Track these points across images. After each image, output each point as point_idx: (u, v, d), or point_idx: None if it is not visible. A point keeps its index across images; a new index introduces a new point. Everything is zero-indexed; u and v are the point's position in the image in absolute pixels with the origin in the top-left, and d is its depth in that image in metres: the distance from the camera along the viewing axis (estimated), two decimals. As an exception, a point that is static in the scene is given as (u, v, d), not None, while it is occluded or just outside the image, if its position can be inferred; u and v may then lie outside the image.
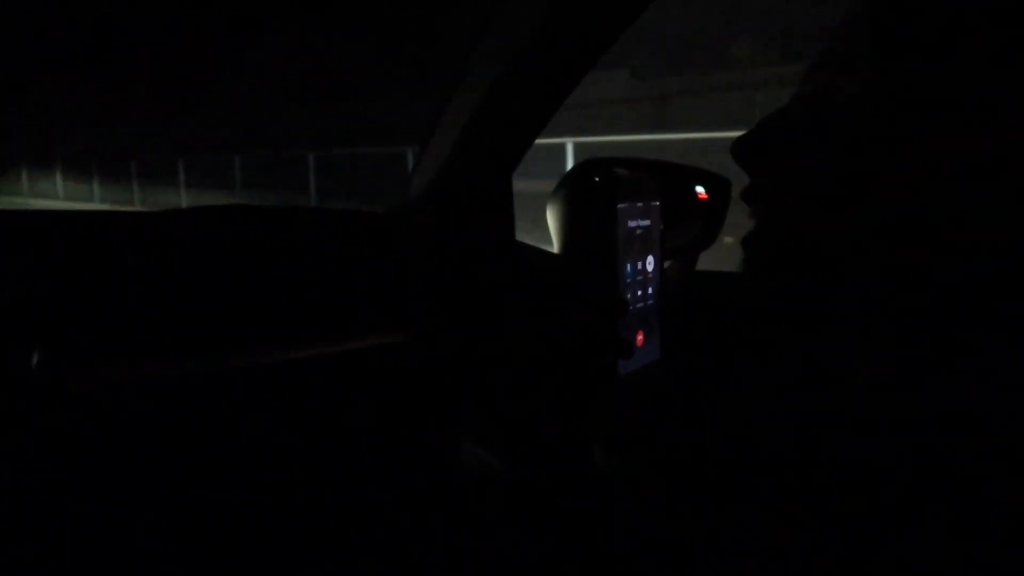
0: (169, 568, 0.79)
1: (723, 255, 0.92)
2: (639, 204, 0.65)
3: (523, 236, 1.06)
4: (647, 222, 0.66)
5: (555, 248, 0.91)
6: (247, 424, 0.84)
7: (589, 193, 0.83)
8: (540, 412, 0.80)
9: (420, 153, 0.98)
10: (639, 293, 0.67)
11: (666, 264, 0.84)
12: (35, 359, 0.69)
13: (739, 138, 0.50)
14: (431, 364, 0.93)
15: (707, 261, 1.00)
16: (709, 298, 0.93)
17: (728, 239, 0.86)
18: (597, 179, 0.66)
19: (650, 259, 0.68)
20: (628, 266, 0.65)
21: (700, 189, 0.92)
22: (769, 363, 0.79)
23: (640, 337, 0.69)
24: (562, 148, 8.00)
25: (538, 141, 0.99)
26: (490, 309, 0.89)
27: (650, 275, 0.68)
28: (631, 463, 0.77)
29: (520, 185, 1.10)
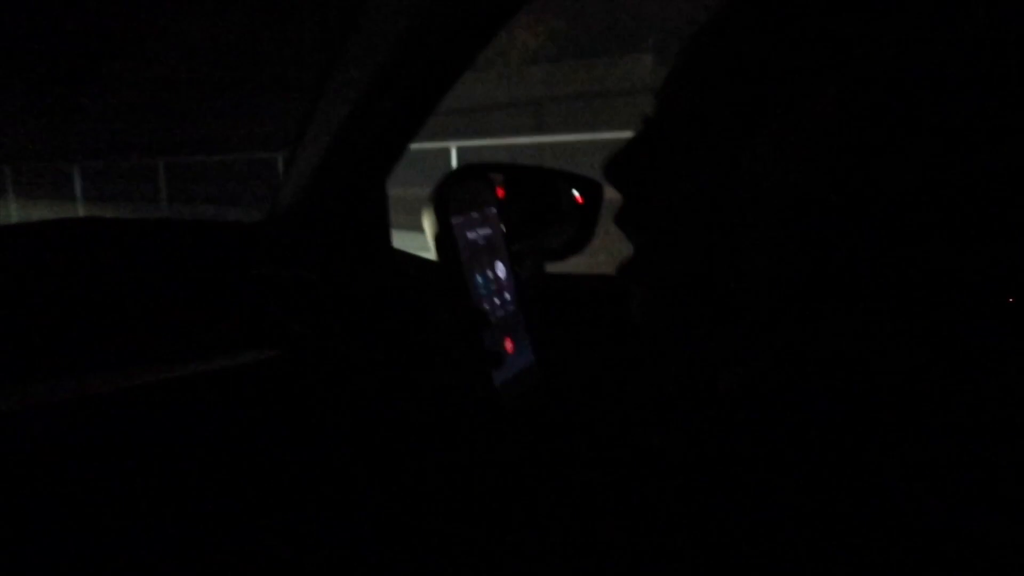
0: None
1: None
2: (475, 215, 0.71)
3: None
4: (487, 230, 0.73)
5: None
6: (112, 452, 0.85)
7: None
8: (418, 424, 0.86)
9: (288, 160, 1.03)
10: (497, 301, 0.73)
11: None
12: None
13: (615, 151, 0.53)
14: (307, 378, 0.97)
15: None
16: (570, 300, 1.01)
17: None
18: (431, 197, 0.72)
19: (499, 266, 0.74)
20: (478, 277, 0.71)
21: (576, 193, 1.01)
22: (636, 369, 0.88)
23: (509, 345, 0.75)
24: (447, 152, 8.14)
25: (426, 145, 1.05)
26: (365, 320, 0.95)
27: (503, 282, 0.74)
28: (516, 467, 0.84)
29: (406, 192, 1.15)
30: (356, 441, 0.95)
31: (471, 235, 0.72)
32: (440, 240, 0.69)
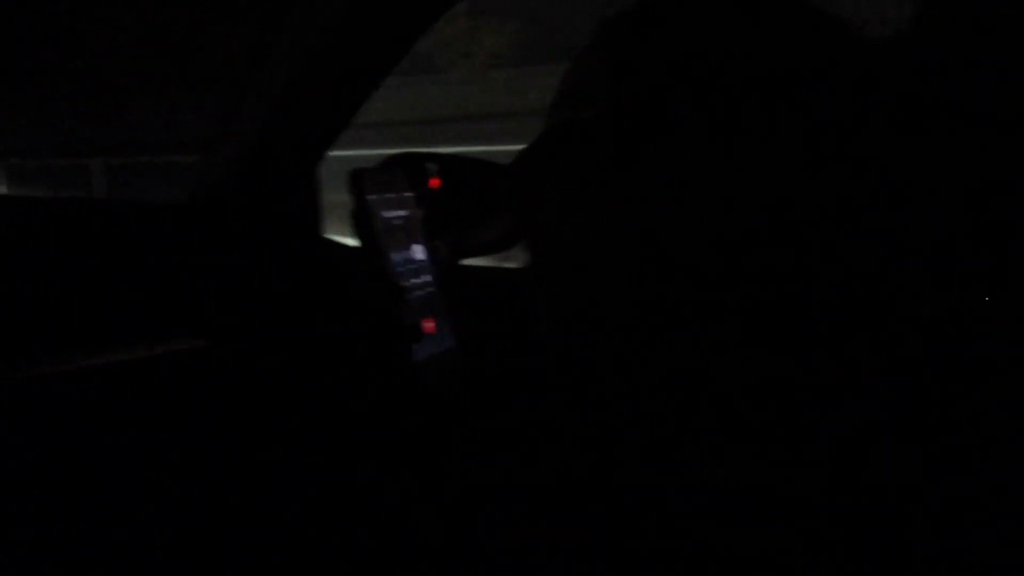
0: None
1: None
2: (391, 195, 0.76)
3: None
4: (404, 212, 0.77)
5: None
6: (28, 442, 0.86)
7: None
8: (345, 403, 0.89)
9: (208, 159, 1.06)
10: (414, 280, 0.77)
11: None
12: None
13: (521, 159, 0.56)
14: (235, 369, 0.99)
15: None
16: (491, 292, 1.06)
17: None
18: (348, 175, 0.76)
19: (417, 248, 0.78)
20: (395, 255, 0.75)
21: (509, 188, 1.05)
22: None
23: (429, 325, 0.79)
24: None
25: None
26: (290, 306, 0.97)
27: (422, 263, 0.78)
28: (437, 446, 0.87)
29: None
30: (282, 429, 0.97)
31: (387, 214, 0.76)
32: (355, 216, 0.73)
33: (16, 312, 0.86)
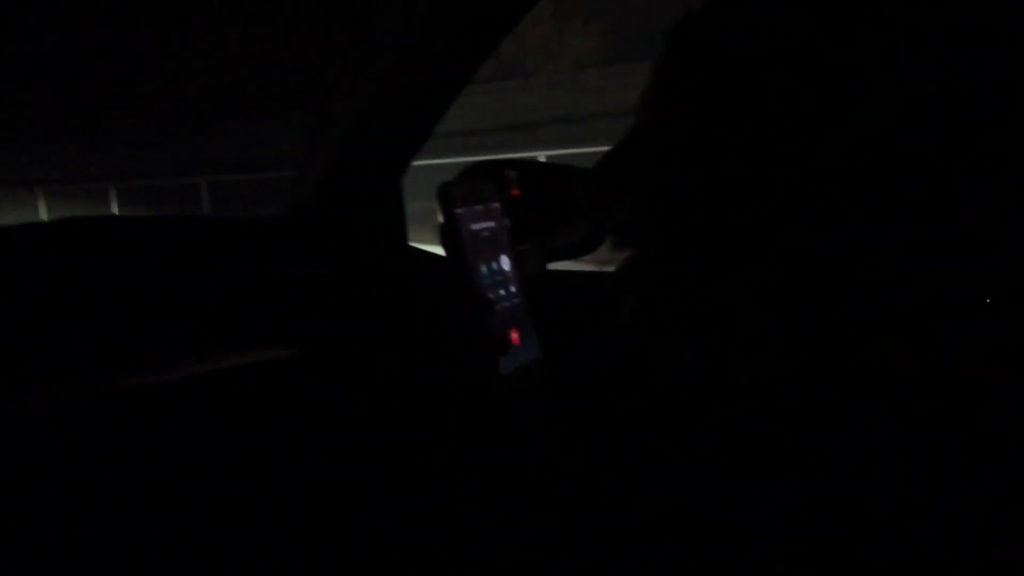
0: None
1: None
2: (478, 207, 0.78)
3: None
4: (491, 223, 0.80)
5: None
6: (132, 448, 0.93)
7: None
8: (429, 418, 0.92)
9: (301, 168, 1.12)
10: (501, 292, 0.80)
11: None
12: None
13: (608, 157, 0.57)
14: (325, 378, 1.05)
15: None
16: (575, 298, 1.07)
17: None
18: (438, 190, 0.78)
19: (503, 259, 0.81)
20: (483, 267, 0.78)
21: (591, 192, 1.07)
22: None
23: (515, 335, 0.81)
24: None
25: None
26: (380, 317, 1.02)
27: (508, 274, 0.81)
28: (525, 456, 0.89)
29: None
30: (369, 438, 1.02)
31: (474, 226, 0.78)
32: (445, 230, 0.76)
33: (124, 323, 0.94)
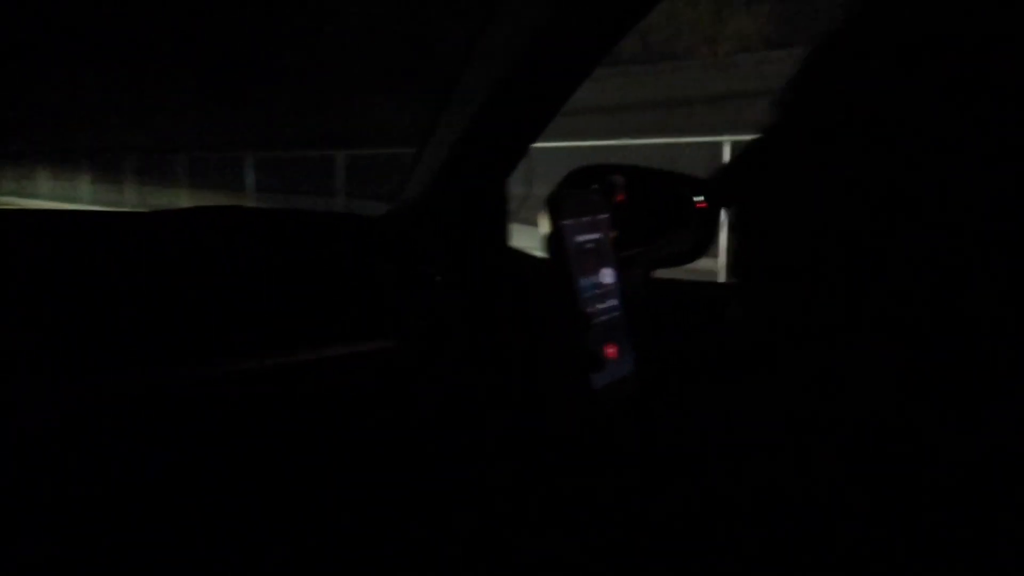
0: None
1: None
2: (586, 219, 0.80)
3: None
4: (596, 235, 0.81)
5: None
6: (238, 429, 1.01)
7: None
8: (519, 422, 0.96)
9: (415, 157, 1.18)
10: (601, 306, 0.81)
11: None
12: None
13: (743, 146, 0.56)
14: (423, 369, 1.11)
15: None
16: (677, 309, 1.08)
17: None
18: (547, 199, 0.80)
19: (606, 272, 0.82)
20: (584, 280, 0.79)
21: (699, 198, 1.07)
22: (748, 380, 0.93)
23: (611, 350, 0.82)
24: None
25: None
26: (479, 316, 1.06)
27: (610, 287, 0.82)
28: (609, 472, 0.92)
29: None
30: (460, 433, 1.07)
31: (580, 238, 0.80)
32: (550, 241, 0.79)
33: (235, 310, 1.02)
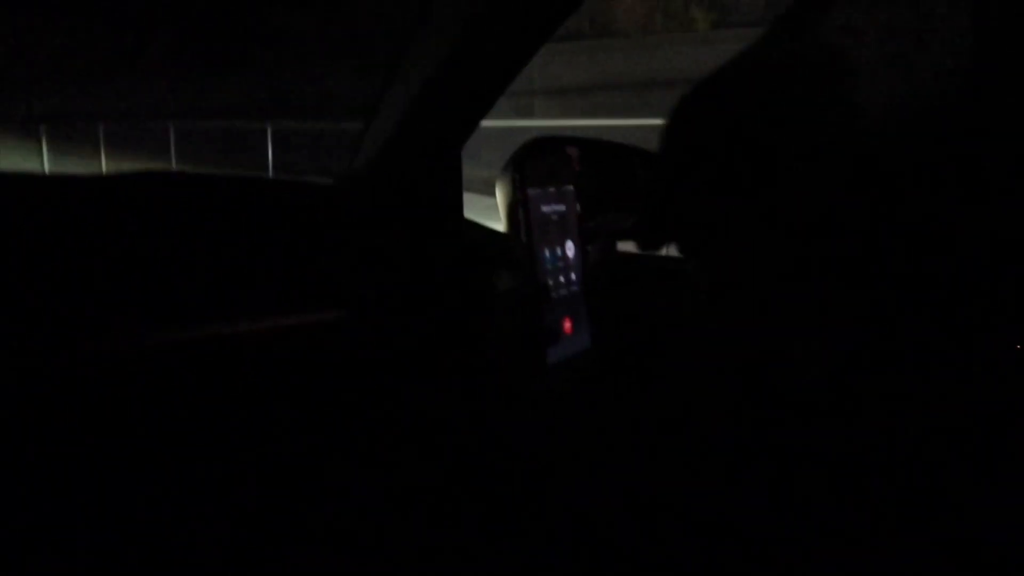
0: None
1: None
2: (551, 189, 0.80)
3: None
4: (562, 207, 0.82)
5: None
6: (179, 401, 1.01)
7: (507, 177, 0.96)
8: (468, 396, 0.97)
9: (365, 127, 1.18)
10: (561, 279, 0.82)
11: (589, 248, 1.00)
12: None
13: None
14: (372, 342, 1.12)
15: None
16: (637, 283, 1.11)
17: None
18: (509, 166, 0.79)
19: (569, 244, 0.83)
20: (546, 251, 0.80)
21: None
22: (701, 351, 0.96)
23: (567, 324, 0.84)
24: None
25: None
26: (431, 287, 1.08)
27: (571, 261, 0.83)
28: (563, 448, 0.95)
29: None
30: (405, 407, 1.09)
31: (545, 209, 0.81)
32: (512, 210, 0.79)
33: (179, 277, 1.02)
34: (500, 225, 1.08)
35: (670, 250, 0.68)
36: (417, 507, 1.03)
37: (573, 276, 0.84)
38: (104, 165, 10.74)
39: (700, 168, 0.60)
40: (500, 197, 1.11)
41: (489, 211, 1.15)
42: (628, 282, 1.12)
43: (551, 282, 0.80)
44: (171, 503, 0.99)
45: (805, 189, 0.51)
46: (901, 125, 0.46)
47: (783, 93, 0.52)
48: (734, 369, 0.69)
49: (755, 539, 0.56)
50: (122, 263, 0.98)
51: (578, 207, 0.83)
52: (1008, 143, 0.44)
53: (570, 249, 0.82)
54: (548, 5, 1.03)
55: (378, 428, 1.11)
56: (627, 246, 1.10)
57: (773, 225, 0.54)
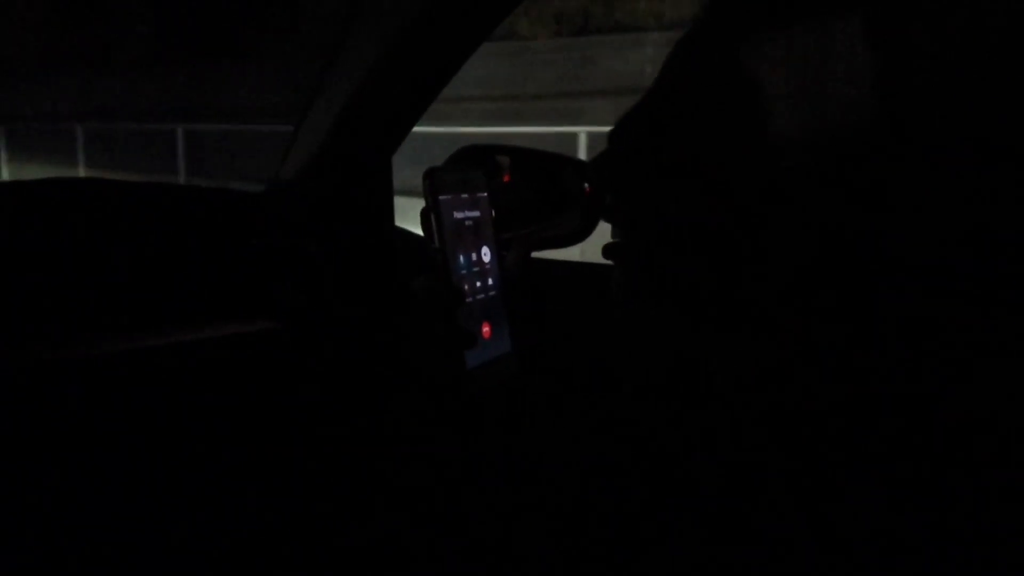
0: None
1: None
2: (464, 195, 0.84)
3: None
4: (476, 213, 0.85)
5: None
6: (100, 417, 0.99)
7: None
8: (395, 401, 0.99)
9: (295, 131, 1.18)
10: (478, 284, 0.85)
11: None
12: None
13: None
14: (302, 352, 1.12)
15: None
16: (554, 289, 1.14)
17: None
18: (425, 173, 0.82)
19: (485, 250, 0.86)
20: (461, 257, 0.83)
21: (585, 183, 1.13)
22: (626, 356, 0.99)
23: (486, 329, 0.87)
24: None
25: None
26: (360, 295, 1.08)
27: (487, 266, 0.86)
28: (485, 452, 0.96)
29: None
30: (338, 416, 1.09)
31: (458, 215, 0.84)
32: (425, 216, 0.82)
33: (100, 288, 1.00)
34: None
35: (593, 256, 0.71)
36: (345, 516, 1.04)
37: (491, 281, 0.86)
38: (4, 169, 10.41)
39: (627, 176, 0.63)
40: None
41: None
42: (551, 288, 1.14)
43: (466, 287, 0.82)
44: (85, 522, 0.98)
45: (724, 200, 0.54)
46: (805, 148, 0.50)
47: (707, 107, 0.55)
48: (658, 374, 0.73)
49: (678, 546, 0.58)
50: (39, 275, 0.96)
51: (493, 214, 0.86)
52: (908, 170, 0.47)
53: (486, 255, 0.85)
54: (480, 11, 1.05)
55: (306, 439, 1.11)
56: (552, 253, 1.13)
57: (696, 234, 0.56)
